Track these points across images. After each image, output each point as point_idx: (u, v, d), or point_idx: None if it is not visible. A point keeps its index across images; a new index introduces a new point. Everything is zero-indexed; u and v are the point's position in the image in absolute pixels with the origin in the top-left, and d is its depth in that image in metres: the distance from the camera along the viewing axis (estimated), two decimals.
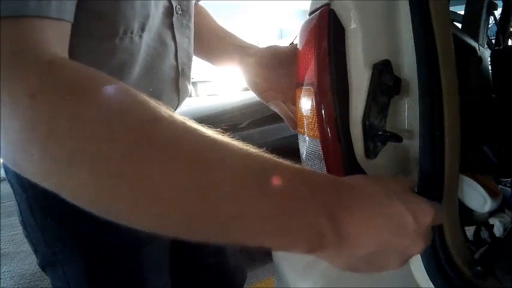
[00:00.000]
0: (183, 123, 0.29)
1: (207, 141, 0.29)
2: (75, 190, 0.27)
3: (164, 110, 0.29)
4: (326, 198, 0.31)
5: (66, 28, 0.35)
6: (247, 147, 0.30)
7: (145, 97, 0.29)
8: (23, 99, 0.26)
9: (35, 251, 0.57)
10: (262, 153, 0.31)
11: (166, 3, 0.53)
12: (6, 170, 0.54)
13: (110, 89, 0.28)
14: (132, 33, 0.47)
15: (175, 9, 0.55)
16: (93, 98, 0.27)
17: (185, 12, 0.57)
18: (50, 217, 0.53)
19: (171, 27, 0.55)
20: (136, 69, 0.50)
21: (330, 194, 0.32)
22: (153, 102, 0.29)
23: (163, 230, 0.29)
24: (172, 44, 0.56)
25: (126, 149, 0.26)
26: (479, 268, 0.43)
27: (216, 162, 0.28)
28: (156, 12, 0.51)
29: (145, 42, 0.50)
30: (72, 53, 0.35)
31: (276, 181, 0.29)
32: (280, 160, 0.31)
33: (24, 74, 0.27)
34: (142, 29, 0.48)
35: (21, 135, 0.26)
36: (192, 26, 0.60)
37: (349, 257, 0.33)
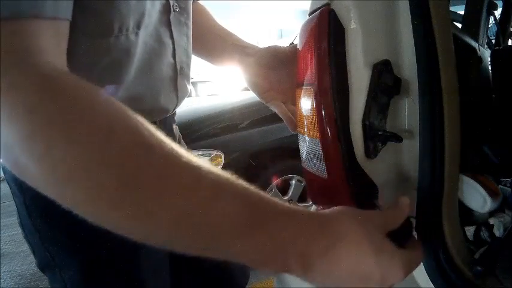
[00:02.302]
0: (173, 152, 0.30)
1: (198, 175, 0.30)
2: (72, 203, 0.29)
3: (157, 136, 0.30)
4: (299, 239, 0.32)
5: (63, 27, 0.34)
6: (239, 184, 0.32)
7: (138, 120, 0.30)
8: (22, 113, 0.27)
9: (34, 253, 0.57)
10: (247, 187, 0.32)
11: (163, 1, 0.53)
12: (5, 171, 0.54)
13: (105, 110, 0.29)
14: (127, 30, 0.47)
15: (173, 7, 0.55)
16: (89, 119, 0.28)
17: (183, 10, 0.57)
18: (46, 220, 0.52)
19: (169, 25, 0.55)
20: (133, 68, 0.50)
21: (303, 234, 0.33)
22: (147, 126, 0.30)
23: (153, 243, 0.31)
24: (169, 42, 0.56)
25: (119, 175, 0.27)
26: (479, 268, 0.43)
27: (210, 199, 0.30)
28: (153, 10, 0.50)
29: (142, 40, 0.50)
30: (67, 51, 0.35)
31: (258, 217, 0.31)
32: (262, 195, 0.33)
33: (23, 86, 0.27)
34: (138, 26, 0.48)
35: (20, 148, 0.27)
36: (190, 24, 0.60)
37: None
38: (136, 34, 0.48)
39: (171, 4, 0.54)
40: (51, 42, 0.32)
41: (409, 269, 0.37)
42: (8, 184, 0.54)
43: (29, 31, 0.30)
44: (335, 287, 0.34)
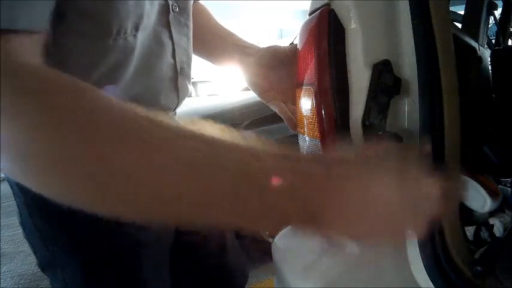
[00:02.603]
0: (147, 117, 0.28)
1: (169, 131, 0.28)
2: (45, 190, 0.28)
3: (149, 122, 0.28)
4: (297, 192, 0.28)
5: (39, 38, 0.34)
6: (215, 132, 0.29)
7: (127, 108, 0.29)
8: None
9: (34, 252, 0.57)
10: (217, 133, 0.29)
11: (161, 1, 0.53)
12: None
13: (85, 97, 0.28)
14: (125, 33, 0.46)
15: (172, 7, 0.54)
16: (50, 101, 0.27)
17: (182, 10, 0.57)
18: (47, 220, 0.53)
19: (168, 25, 0.55)
20: (132, 69, 0.50)
21: (300, 187, 0.28)
22: (133, 111, 0.29)
23: (144, 217, 0.30)
24: (169, 42, 0.56)
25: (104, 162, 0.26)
26: (479, 268, 0.43)
27: (184, 149, 0.27)
28: (152, 11, 0.50)
29: (141, 41, 0.50)
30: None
31: (226, 162, 0.27)
32: (229, 138, 0.29)
33: None
34: (136, 28, 0.48)
35: None
36: (190, 24, 0.60)
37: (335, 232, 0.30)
38: (135, 36, 0.48)
39: (170, 4, 0.54)
40: (28, 52, 0.32)
41: (448, 197, 0.31)
42: (9, 184, 0.55)
43: (7, 42, 0.30)
44: (354, 234, 0.29)
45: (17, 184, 0.53)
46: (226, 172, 0.27)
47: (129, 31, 0.47)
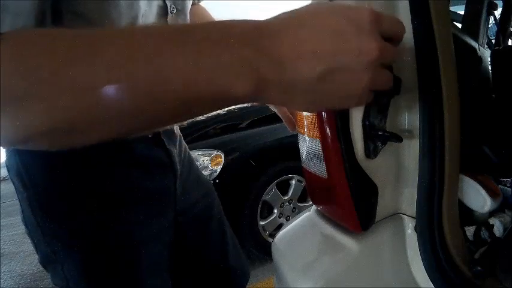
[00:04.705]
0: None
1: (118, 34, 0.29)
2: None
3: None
4: (243, 33, 0.29)
5: None
6: None
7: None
8: None
9: (36, 249, 0.57)
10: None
11: (160, 2, 0.53)
12: (9, 168, 0.54)
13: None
14: None
15: (170, 9, 0.55)
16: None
17: (180, 11, 0.57)
18: (49, 216, 0.53)
19: None
20: None
21: (246, 28, 0.29)
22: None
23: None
24: None
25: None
26: (479, 268, 0.44)
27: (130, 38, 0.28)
28: (150, 12, 0.51)
29: None
30: None
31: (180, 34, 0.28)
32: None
33: None
34: None
35: None
36: None
37: (303, 91, 0.30)
38: None
39: (168, 6, 0.54)
40: None
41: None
42: (12, 181, 0.55)
43: None
44: (321, 65, 0.28)
45: (20, 180, 0.53)
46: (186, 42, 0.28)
47: None
